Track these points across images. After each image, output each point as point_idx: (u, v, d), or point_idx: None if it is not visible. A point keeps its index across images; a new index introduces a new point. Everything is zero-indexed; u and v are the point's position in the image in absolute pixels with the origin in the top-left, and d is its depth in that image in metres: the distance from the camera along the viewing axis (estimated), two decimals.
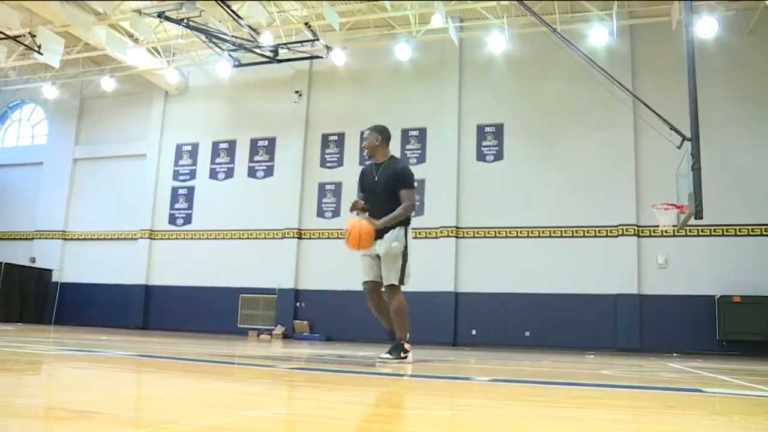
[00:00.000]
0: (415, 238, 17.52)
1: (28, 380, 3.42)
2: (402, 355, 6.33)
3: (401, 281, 6.50)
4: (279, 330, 17.90)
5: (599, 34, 15.98)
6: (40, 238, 22.29)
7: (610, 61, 15.68)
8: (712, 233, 15.58)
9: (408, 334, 6.56)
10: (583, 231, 16.58)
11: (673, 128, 10.71)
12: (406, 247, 6.48)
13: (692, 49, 10.40)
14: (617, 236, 16.26)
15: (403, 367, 5.43)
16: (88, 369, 4.20)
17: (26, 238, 22.55)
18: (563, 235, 16.70)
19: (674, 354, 13.87)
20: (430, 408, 2.77)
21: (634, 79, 16.14)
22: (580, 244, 16.55)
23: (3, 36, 17.06)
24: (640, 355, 12.74)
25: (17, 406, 2.17)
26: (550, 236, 16.79)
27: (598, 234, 16.48)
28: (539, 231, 16.88)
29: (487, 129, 17.77)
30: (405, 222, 6.53)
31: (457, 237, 17.36)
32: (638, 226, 16.09)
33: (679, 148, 10.91)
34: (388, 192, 6.53)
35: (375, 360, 6.35)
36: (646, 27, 16.60)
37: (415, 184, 6.67)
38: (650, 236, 15.94)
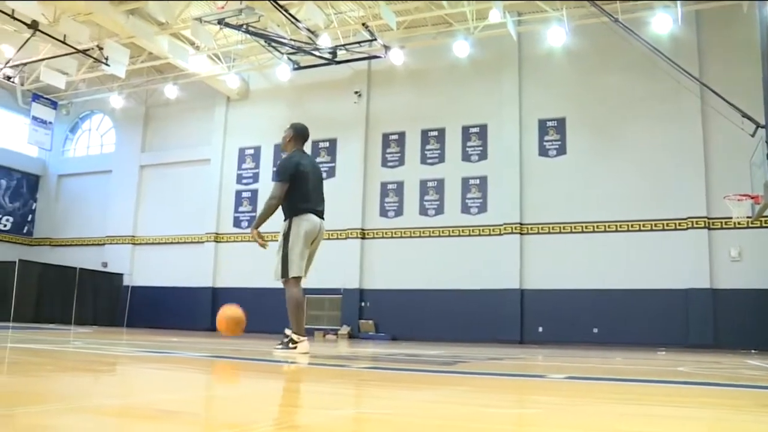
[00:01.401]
0: (479, 235, 17.66)
1: (113, 381, 3.51)
2: (290, 345, 6.26)
3: (284, 274, 6.28)
4: (344, 330, 18.02)
5: (663, 22, 15.54)
6: (110, 244, 22.99)
7: (675, 48, 15.26)
8: None
9: (300, 328, 6.34)
10: (651, 225, 16.18)
11: (745, 115, 10.38)
12: (286, 238, 6.31)
13: (765, 31, 10.04)
14: (686, 229, 15.81)
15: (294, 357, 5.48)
16: (167, 370, 4.29)
17: (98, 244, 23.29)
18: (630, 229, 16.34)
19: (752, 351, 13.41)
20: (511, 406, 2.73)
21: (701, 66, 15.68)
22: (647, 238, 16.17)
23: (74, 50, 17.66)
24: (714, 352, 12.37)
25: (108, 407, 2.22)
26: (617, 231, 16.44)
27: (666, 227, 16.07)
28: (605, 226, 16.55)
29: (549, 123, 17.52)
30: (290, 213, 6.41)
31: (521, 233, 17.17)
32: (708, 219, 15.62)
33: (752, 136, 10.57)
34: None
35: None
36: (713, 11, 16.07)
37: (288, 174, 6.47)
38: (722, 228, 15.47)
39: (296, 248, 6.28)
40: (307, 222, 6.36)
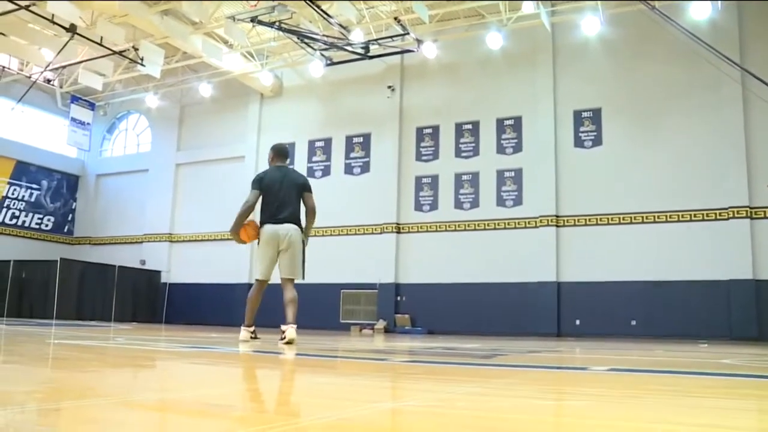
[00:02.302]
0: (515, 228, 17.50)
1: (157, 375, 3.55)
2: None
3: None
4: (381, 324, 18.03)
5: (701, 8, 15.21)
6: (148, 241, 23.33)
7: (715, 34, 14.93)
8: None
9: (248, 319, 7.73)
10: (690, 215, 15.89)
11: None
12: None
13: None
14: (728, 219, 15.49)
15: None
16: (208, 365, 4.32)
17: (136, 242, 23.65)
18: (669, 220, 16.07)
19: None
20: (558, 398, 2.69)
21: (742, 51, 15.32)
22: (687, 228, 15.88)
23: (110, 52, 17.93)
24: (758, 344, 12.11)
25: (153, 401, 2.23)
26: (655, 222, 16.19)
27: (706, 217, 15.76)
28: (643, 217, 16.30)
29: (585, 114, 17.30)
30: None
31: (557, 226, 17.01)
32: (751, 208, 15.29)
33: None
34: None
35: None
36: None
37: (256, 184, 7.34)
38: (765, 218, 15.15)
39: (259, 255, 7.41)
40: (264, 232, 7.23)
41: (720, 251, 15.43)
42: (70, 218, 25.18)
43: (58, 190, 24.82)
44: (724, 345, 11.31)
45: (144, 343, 6.93)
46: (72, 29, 16.58)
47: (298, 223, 7.33)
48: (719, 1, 15.12)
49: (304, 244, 7.43)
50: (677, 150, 16.16)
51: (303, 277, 7.47)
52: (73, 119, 22.78)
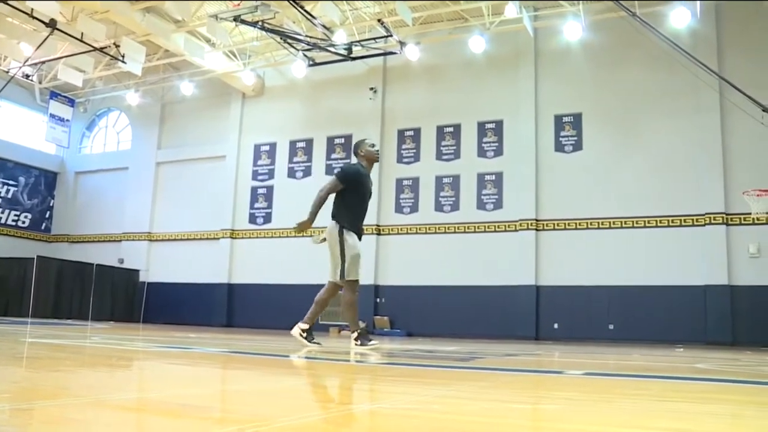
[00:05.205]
0: (495, 231, 17.57)
1: (131, 375, 3.53)
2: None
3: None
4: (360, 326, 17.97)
5: (681, 16, 15.36)
6: (127, 240, 23.13)
7: (694, 42, 15.11)
8: None
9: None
10: (668, 220, 16.04)
11: (765, 110, 10.27)
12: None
13: None
14: (704, 225, 15.66)
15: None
16: (184, 365, 4.30)
17: (115, 240, 23.44)
18: (647, 225, 16.20)
19: None
20: (531, 401, 2.71)
21: (720, 60, 15.50)
22: (665, 234, 16.02)
23: (91, 48, 17.78)
24: (732, 349, 12.25)
25: (126, 400, 2.22)
26: (633, 227, 16.32)
27: (683, 223, 15.92)
28: (621, 222, 16.43)
29: (565, 119, 17.40)
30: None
31: (536, 230, 17.09)
32: (727, 214, 15.46)
33: None
34: None
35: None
36: (733, 4, 15.86)
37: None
38: (740, 224, 15.31)
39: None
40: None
41: (696, 257, 15.60)
42: (47, 216, 24.91)
43: (36, 187, 24.54)
44: (700, 349, 11.43)
45: (120, 342, 6.88)
46: (52, 24, 16.43)
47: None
48: (698, 1, 15.26)
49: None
50: (656, 156, 16.32)
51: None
52: (52, 115, 22.52)
